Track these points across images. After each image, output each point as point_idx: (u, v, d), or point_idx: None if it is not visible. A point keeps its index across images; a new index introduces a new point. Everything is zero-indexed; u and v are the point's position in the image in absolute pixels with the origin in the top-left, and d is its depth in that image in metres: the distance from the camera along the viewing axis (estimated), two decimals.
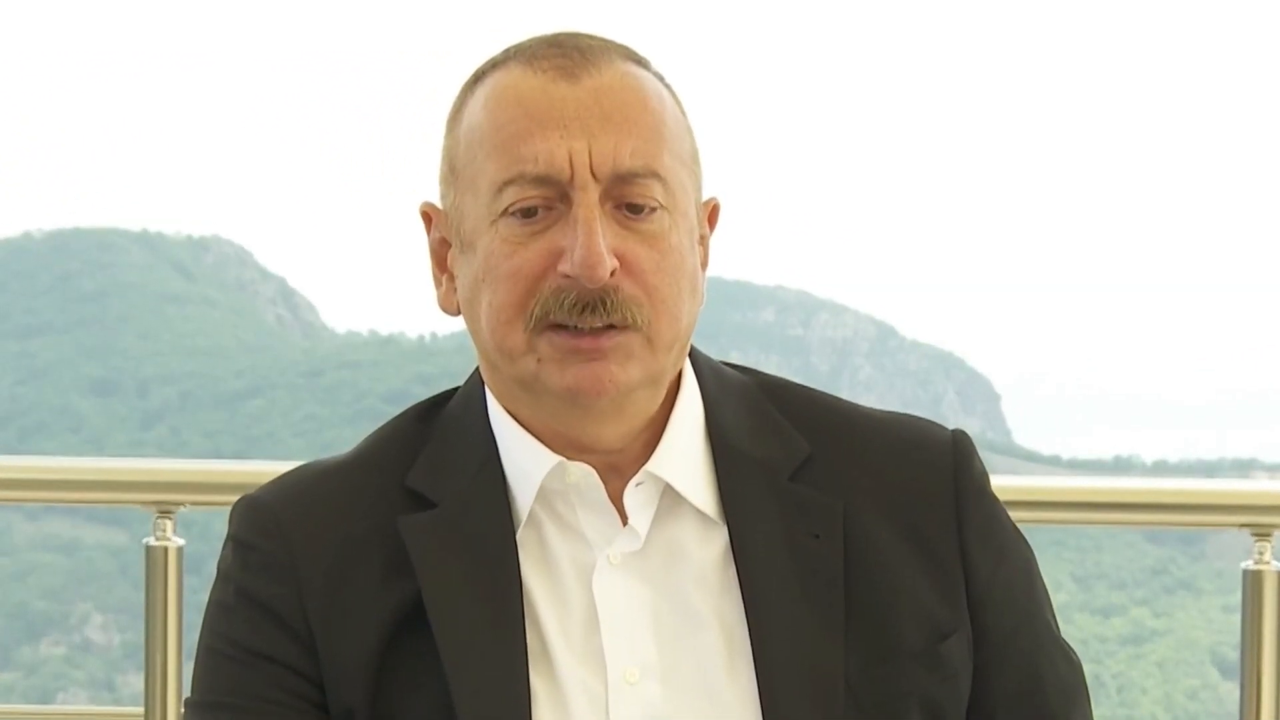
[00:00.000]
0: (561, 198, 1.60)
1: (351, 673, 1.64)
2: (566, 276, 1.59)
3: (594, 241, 1.58)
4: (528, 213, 1.61)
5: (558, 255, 1.60)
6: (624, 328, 1.61)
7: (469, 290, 1.66)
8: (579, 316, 1.60)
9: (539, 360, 1.62)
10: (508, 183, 1.61)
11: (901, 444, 1.74)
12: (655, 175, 1.61)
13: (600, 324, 1.60)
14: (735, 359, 1.85)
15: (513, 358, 1.63)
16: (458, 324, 1.70)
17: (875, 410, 1.79)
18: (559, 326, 1.61)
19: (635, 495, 1.66)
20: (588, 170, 1.59)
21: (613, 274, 1.59)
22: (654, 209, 1.62)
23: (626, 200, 1.61)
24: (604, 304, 1.60)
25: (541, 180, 1.60)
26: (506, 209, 1.61)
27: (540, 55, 1.64)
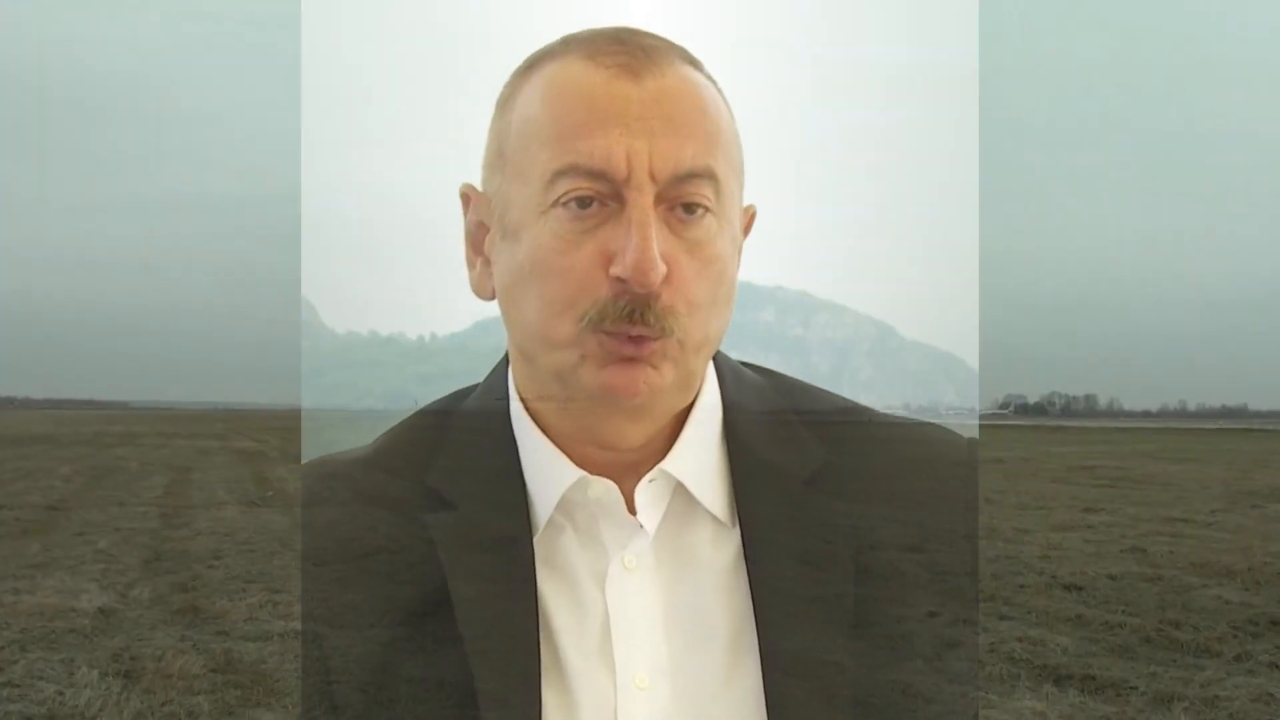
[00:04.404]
0: (615, 195, 1.57)
1: (357, 670, 1.64)
2: (619, 280, 1.57)
3: (649, 245, 1.55)
4: (582, 203, 1.57)
5: (609, 257, 1.57)
6: (660, 336, 1.59)
7: (509, 277, 1.63)
8: (628, 324, 1.57)
9: (582, 355, 1.59)
10: (561, 174, 1.57)
11: (916, 452, 1.75)
12: (712, 177, 1.59)
13: (639, 332, 1.58)
14: (735, 359, 1.85)
15: (556, 346, 1.60)
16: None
17: (892, 416, 1.79)
18: (609, 331, 1.58)
19: (647, 491, 1.66)
20: (646, 171, 1.56)
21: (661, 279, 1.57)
22: (706, 210, 1.59)
23: (681, 200, 1.58)
24: (648, 310, 1.57)
25: (598, 175, 1.56)
26: (559, 199, 1.58)
27: (603, 50, 1.61)
